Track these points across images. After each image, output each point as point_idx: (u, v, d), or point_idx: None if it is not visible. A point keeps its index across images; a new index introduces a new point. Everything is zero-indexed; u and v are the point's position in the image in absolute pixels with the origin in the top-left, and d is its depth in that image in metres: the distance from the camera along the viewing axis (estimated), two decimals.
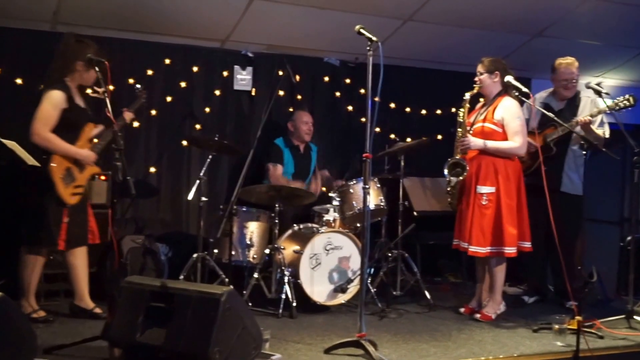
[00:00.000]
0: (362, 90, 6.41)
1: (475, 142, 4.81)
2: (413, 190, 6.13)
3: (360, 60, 6.49)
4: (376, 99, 3.70)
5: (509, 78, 4.81)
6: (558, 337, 4.32)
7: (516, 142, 4.78)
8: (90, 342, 3.81)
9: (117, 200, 5.03)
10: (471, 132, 4.89)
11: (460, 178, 4.82)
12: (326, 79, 6.56)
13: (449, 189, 4.97)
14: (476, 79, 4.94)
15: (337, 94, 6.61)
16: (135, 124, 5.74)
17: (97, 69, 4.07)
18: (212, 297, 3.26)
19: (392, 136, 6.57)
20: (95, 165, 4.57)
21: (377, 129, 6.36)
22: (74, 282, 4.58)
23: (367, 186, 3.94)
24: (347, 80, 6.63)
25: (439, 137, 6.76)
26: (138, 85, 4.98)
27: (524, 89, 4.77)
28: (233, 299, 3.31)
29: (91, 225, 4.59)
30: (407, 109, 6.87)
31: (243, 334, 3.35)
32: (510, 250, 4.76)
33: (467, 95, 4.92)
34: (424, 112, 6.90)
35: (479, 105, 5.10)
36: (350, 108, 6.65)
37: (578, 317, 3.99)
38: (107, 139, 4.54)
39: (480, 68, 4.94)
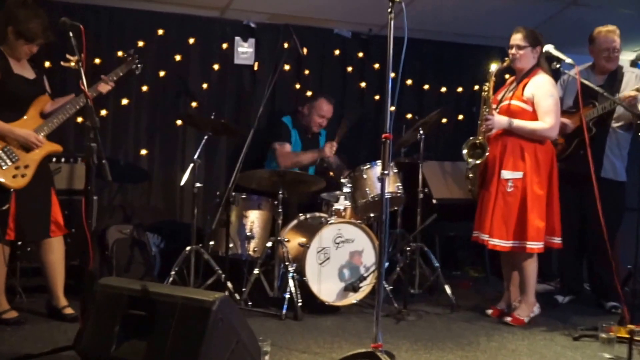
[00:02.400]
0: (377, 65, 6.24)
1: (500, 120, 4.42)
2: (432, 176, 5.74)
3: (374, 32, 6.18)
4: (392, 74, 3.32)
5: (548, 47, 4.35)
6: (605, 348, 3.85)
7: (546, 122, 4.35)
8: (62, 352, 3.44)
9: (98, 185, 4.69)
10: (497, 110, 4.51)
11: (479, 161, 4.49)
12: (336, 52, 6.23)
13: (469, 174, 4.65)
14: (513, 52, 4.48)
15: (349, 69, 6.29)
16: (124, 101, 5.48)
17: (70, 34, 3.52)
18: (200, 305, 2.91)
19: (409, 116, 6.21)
20: (53, 143, 4.13)
21: (392, 108, 6.10)
22: (46, 278, 4.24)
23: (386, 172, 3.43)
24: (360, 54, 6.30)
25: (460, 117, 6.53)
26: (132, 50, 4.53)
27: (568, 59, 4.35)
28: (226, 308, 2.96)
29: (54, 215, 4.14)
30: (425, 87, 6.57)
31: (238, 348, 3.00)
32: (534, 246, 4.35)
33: (494, 68, 4.51)
34: (443, 89, 6.58)
35: (508, 80, 4.72)
36: (363, 84, 6.32)
37: (631, 326, 3.58)
38: (68, 113, 4.08)
39: (519, 40, 4.45)
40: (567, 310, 4.91)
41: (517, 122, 4.38)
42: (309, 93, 5.92)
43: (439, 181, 5.83)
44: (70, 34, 3.52)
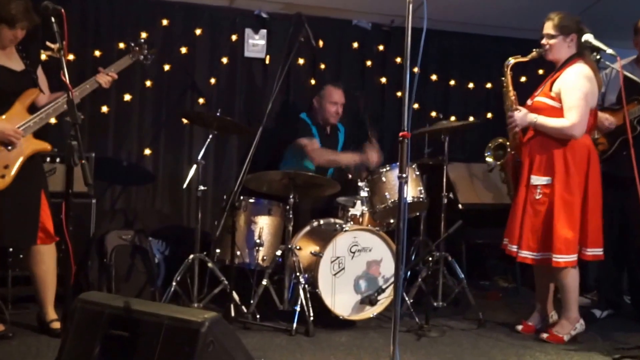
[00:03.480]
0: (399, 59, 6.00)
1: (522, 117, 4.16)
2: (457, 179, 5.53)
3: (396, 24, 5.93)
4: (415, 69, 3.05)
5: (587, 37, 3.99)
6: None
7: (568, 119, 3.99)
8: None
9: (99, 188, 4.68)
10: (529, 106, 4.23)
11: (498, 163, 4.32)
12: (355, 45, 6.01)
13: (504, 178, 4.42)
14: (544, 42, 4.15)
15: (368, 63, 6.06)
16: (127, 97, 5.27)
17: (52, 19, 3.20)
18: (188, 326, 2.65)
19: (434, 114, 5.91)
20: (40, 141, 3.83)
21: (416, 105, 5.98)
22: (35, 289, 3.99)
23: (404, 174, 3.13)
24: (380, 47, 6.07)
25: (489, 115, 6.25)
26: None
27: (609, 50, 3.97)
28: (217, 329, 2.68)
29: (42, 222, 3.83)
30: (452, 82, 6.30)
31: None
32: (560, 259, 4.00)
33: (511, 61, 4.27)
34: (470, 85, 6.31)
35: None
36: (383, 80, 6.08)
37: None
38: (59, 109, 3.79)
39: (549, 28, 4.12)
40: (605, 327, 4.60)
41: (541, 120, 4.07)
42: None
43: (466, 184, 5.61)
44: (53, 20, 3.22)
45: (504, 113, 5.91)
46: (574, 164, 4.02)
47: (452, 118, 5.83)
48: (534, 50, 4.18)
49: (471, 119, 5.90)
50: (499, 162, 4.31)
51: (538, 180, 4.08)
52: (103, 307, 2.81)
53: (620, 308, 4.95)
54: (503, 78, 4.28)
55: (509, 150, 4.25)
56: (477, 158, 5.70)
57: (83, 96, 3.86)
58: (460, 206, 5.34)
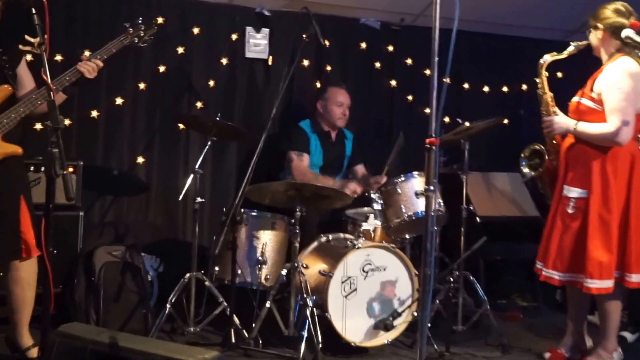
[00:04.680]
0: (409, 61, 5.84)
1: (560, 122, 3.84)
2: (474, 190, 5.22)
3: (406, 23, 5.77)
4: (446, 79, 2.91)
5: (628, 32, 3.61)
6: None
7: (610, 124, 3.62)
8: None
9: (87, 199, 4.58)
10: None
11: (534, 173, 4.00)
12: (363, 45, 5.84)
13: (541, 189, 4.11)
14: (589, 33, 3.84)
15: (377, 64, 5.88)
16: (118, 101, 5.03)
17: (33, 10, 2.87)
18: None
19: (446, 119, 5.63)
20: (9, 144, 3.50)
21: (427, 110, 5.73)
22: (10, 309, 3.66)
23: (430, 187, 2.84)
24: (390, 48, 5.90)
25: (505, 121, 6.00)
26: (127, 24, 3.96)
27: None
28: None
29: (24, 235, 3.50)
30: (465, 85, 6.15)
31: None
32: (592, 285, 3.65)
33: (547, 58, 3.95)
34: (486, 89, 6.15)
35: None
36: (393, 83, 5.87)
37: None
38: (31, 106, 3.45)
39: (596, 20, 3.78)
40: (636, 351, 4.30)
41: (581, 126, 3.73)
42: None
43: (483, 196, 5.38)
44: (33, 11, 2.88)
45: (520, 117, 5.74)
46: (614, 176, 3.67)
47: (466, 124, 5.55)
48: (572, 44, 3.86)
49: None
50: (534, 173, 4.00)
51: (571, 192, 3.75)
52: (85, 342, 2.59)
53: None
54: (537, 79, 3.98)
55: (546, 157, 3.93)
56: (493, 167, 5.63)
57: (63, 88, 3.51)
58: (478, 219, 5.08)
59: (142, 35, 3.79)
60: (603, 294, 3.66)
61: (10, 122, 3.38)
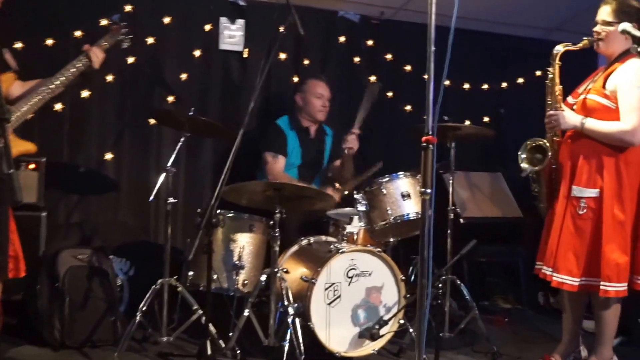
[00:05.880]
0: (389, 56, 5.73)
1: (568, 118, 3.68)
2: (457, 190, 5.15)
3: (386, 17, 5.64)
4: (446, 82, 2.86)
5: (625, 25, 3.43)
6: None
7: (626, 123, 3.51)
8: None
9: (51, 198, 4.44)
10: (575, 106, 3.74)
11: (536, 168, 3.81)
12: (342, 39, 5.71)
13: (534, 188, 3.90)
14: (597, 29, 3.69)
15: (356, 59, 5.77)
16: (85, 94, 4.86)
17: None
18: None
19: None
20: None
21: (408, 107, 5.74)
22: None
23: (427, 190, 2.67)
24: (369, 42, 5.78)
25: (486, 119, 5.98)
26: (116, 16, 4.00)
27: None
28: None
29: (12, 245, 3.19)
30: (446, 82, 5.96)
31: None
32: (610, 288, 3.52)
33: (560, 49, 3.75)
34: (466, 86, 6.05)
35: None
36: (372, 78, 5.72)
37: None
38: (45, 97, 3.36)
39: (606, 14, 3.65)
40: (623, 357, 4.05)
41: (591, 122, 3.60)
42: None
43: (467, 196, 5.30)
44: None
45: (500, 116, 5.79)
46: (627, 175, 3.57)
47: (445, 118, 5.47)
48: (585, 38, 3.72)
49: (467, 122, 5.55)
50: (536, 168, 3.85)
51: (582, 192, 3.62)
52: None
53: (631, 334, 4.54)
54: (549, 69, 3.81)
55: (549, 154, 3.81)
56: (476, 166, 5.59)
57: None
58: (462, 220, 4.98)
59: (125, 32, 3.83)
60: (621, 297, 3.56)
61: (22, 116, 3.24)
